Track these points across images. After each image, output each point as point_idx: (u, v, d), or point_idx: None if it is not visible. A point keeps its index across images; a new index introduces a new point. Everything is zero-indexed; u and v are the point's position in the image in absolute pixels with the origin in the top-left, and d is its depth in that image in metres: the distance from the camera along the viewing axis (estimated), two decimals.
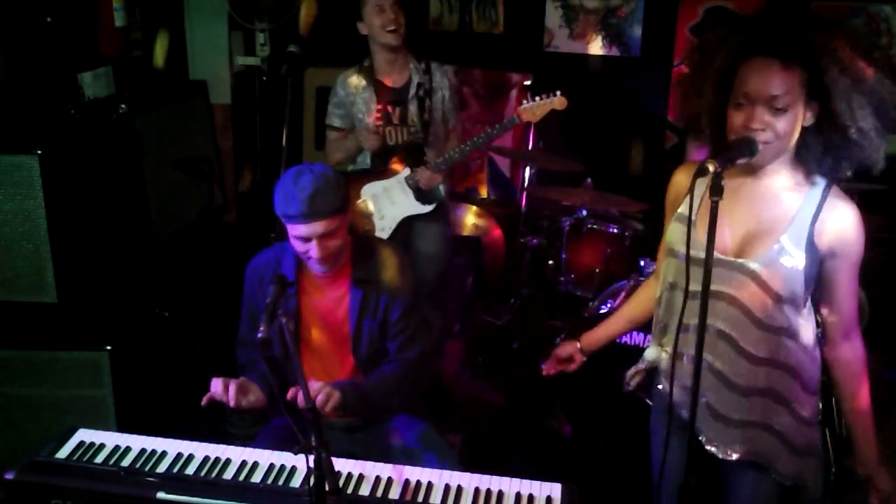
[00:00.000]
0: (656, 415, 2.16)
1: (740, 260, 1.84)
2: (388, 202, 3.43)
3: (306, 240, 2.14)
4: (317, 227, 2.11)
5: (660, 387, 2.08)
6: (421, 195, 3.42)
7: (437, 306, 3.66)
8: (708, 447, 1.96)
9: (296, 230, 2.13)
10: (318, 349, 2.35)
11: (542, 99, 3.29)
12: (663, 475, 1.91)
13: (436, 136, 3.46)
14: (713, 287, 1.82)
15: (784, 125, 1.72)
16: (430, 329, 3.61)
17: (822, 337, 1.95)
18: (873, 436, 1.92)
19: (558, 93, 3.28)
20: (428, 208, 3.44)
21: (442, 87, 3.43)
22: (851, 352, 1.90)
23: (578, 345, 2.27)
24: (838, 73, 1.68)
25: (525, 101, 3.30)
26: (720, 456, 1.95)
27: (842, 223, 1.79)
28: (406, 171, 3.40)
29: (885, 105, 1.72)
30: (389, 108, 3.36)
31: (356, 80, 3.38)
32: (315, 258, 2.16)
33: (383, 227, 3.44)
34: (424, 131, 3.41)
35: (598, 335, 2.28)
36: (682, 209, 1.93)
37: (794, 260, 1.79)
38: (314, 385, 2.06)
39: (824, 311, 1.90)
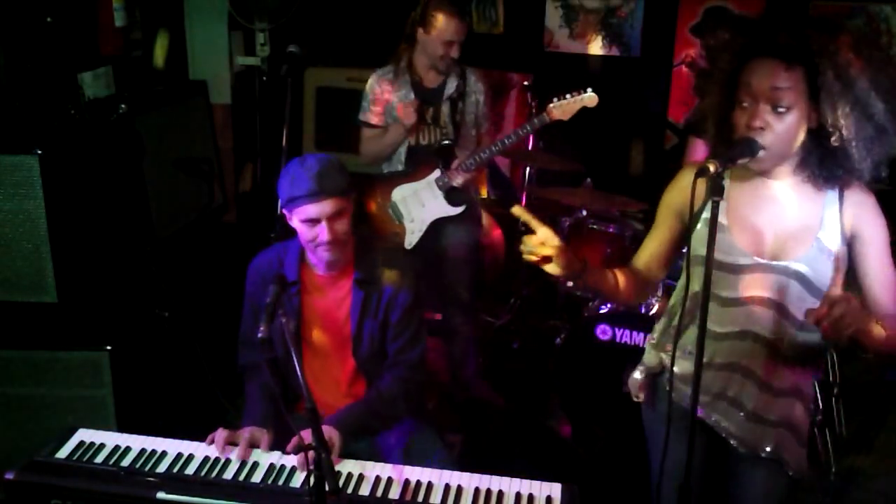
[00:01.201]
0: (661, 416, 2.14)
1: (783, 263, 1.83)
2: (418, 205, 3.43)
3: (315, 222, 2.13)
4: (326, 206, 2.11)
5: (684, 391, 1.98)
6: (451, 197, 3.41)
7: (462, 309, 3.66)
8: (741, 449, 1.97)
9: (304, 212, 2.13)
10: (319, 349, 2.34)
11: (572, 96, 3.23)
12: (663, 475, 1.91)
13: (465, 139, 3.45)
14: (749, 293, 1.84)
15: (785, 127, 1.72)
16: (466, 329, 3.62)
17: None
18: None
19: (589, 90, 3.22)
20: (457, 210, 3.43)
21: (476, 91, 3.43)
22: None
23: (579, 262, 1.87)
24: (833, 77, 1.69)
25: (556, 99, 3.25)
26: (744, 451, 1.96)
27: (860, 209, 1.80)
28: (436, 173, 3.39)
29: (872, 116, 1.72)
30: (423, 107, 3.37)
31: (392, 78, 3.39)
32: (325, 241, 2.14)
33: (413, 230, 3.44)
34: (455, 133, 3.41)
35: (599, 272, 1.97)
36: (708, 214, 1.78)
37: (835, 254, 1.80)
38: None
39: (868, 300, 1.83)
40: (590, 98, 3.23)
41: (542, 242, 1.76)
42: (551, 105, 3.25)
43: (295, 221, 2.18)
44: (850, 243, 1.82)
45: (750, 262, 1.85)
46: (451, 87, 3.40)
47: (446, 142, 3.40)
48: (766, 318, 1.86)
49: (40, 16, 3.15)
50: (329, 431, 2.07)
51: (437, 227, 3.46)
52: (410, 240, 3.46)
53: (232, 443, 2.06)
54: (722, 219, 1.85)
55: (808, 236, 1.82)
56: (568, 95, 3.24)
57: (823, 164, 1.78)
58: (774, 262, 1.84)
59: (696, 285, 1.84)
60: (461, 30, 3.28)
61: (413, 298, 2.33)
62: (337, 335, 2.32)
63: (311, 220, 2.14)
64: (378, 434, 2.32)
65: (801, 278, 1.82)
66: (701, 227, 1.87)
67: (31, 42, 3.11)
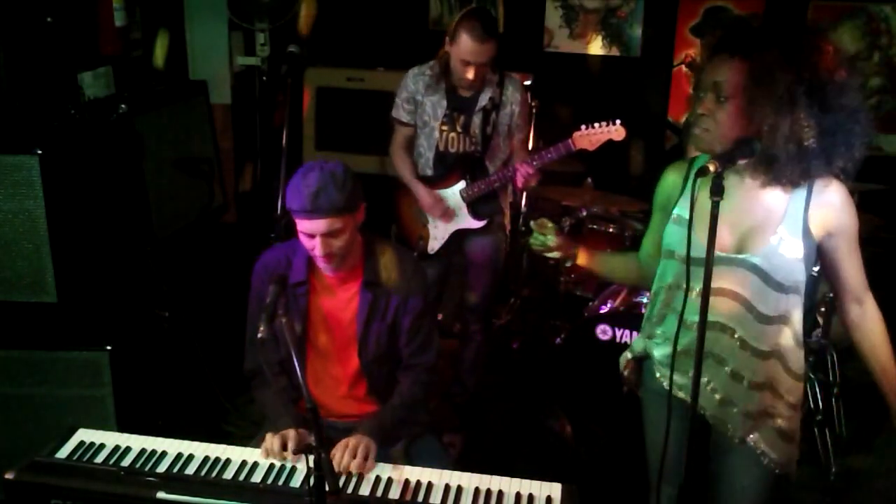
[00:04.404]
0: (650, 404, 2.20)
1: (742, 255, 1.89)
2: None
3: (310, 236, 2.14)
4: (319, 224, 2.10)
5: (658, 377, 2.10)
6: (475, 210, 3.39)
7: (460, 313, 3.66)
8: (718, 427, 2.01)
9: (301, 225, 2.14)
10: (323, 350, 2.33)
11: (600, 127, 3.17)
12: (663, 464, 1.93)
13: (495, 150, 3.40)
14: (714, 284, 1.85)
15: (724, 115, 1.81)
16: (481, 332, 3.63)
17: (835, 306, 2.04)
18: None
19: (618, 122, 3.16)
20: (479, 224, 3.41)
21: (513, 101, 3.34)
22: (864, 313, 1.96)
23: (580, 254, 2.29)
24: (758, 68, 1.75)
25: (583, 127, 3.19)
26: (728, 434, 2.01)
27: (831, 205, 1.86)
28: (461, 184, 3.37)
29: (792, 115, 1.74)
30: (455, 115, 3.32)
31: (429, 81, 3.32)
32: (319, 255, 2.15)
33: (436, 236, 3.44)
34: (484, 144, 3.36)
35: (599, 259, 2.34)
36: (679, 211, 1.99)
37: (794, 249, 1.85)
38: (352, 441, 2.07)
39: (834, 285, 1.98)
40: (617, 131, 3.16)
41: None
42: (577, 133, 3.19)
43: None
44: (822, 240, 1.88)
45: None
46: (486, 97, 3.31)
47: (474, 152, 3.34)
48: (731, 310, 1.93)
49: (40, 16, 3.15)
50: (367, 442, 2.07)
51: (460, 237, 3.45)
52: (433, 245, 3.46)
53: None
54: (686, 214, 1.88)
55: (769, 230, 1.87)
56: (596, 125, 3.17)
57: (776, 163, 1.80)
58: (734, 255, 1.90)
59: (668, 277, 2.02)
60: (482, 53, 3.13)
61: (424, 302, 2.32)
62: (342, 336, 2.31)
63: (306, 234, 2.14)
64: (400, 441, 2.31)
65: (758, 271, 1.88)
66: (670, 224, 2.01)
67: (31, 42, 3.11)
